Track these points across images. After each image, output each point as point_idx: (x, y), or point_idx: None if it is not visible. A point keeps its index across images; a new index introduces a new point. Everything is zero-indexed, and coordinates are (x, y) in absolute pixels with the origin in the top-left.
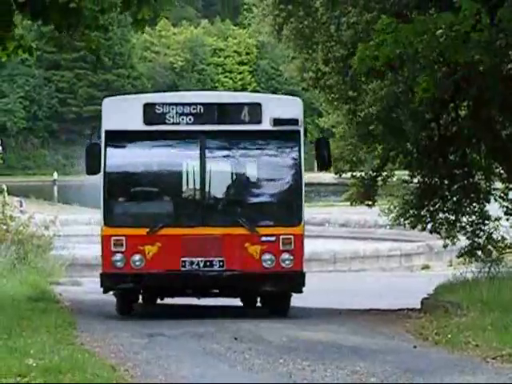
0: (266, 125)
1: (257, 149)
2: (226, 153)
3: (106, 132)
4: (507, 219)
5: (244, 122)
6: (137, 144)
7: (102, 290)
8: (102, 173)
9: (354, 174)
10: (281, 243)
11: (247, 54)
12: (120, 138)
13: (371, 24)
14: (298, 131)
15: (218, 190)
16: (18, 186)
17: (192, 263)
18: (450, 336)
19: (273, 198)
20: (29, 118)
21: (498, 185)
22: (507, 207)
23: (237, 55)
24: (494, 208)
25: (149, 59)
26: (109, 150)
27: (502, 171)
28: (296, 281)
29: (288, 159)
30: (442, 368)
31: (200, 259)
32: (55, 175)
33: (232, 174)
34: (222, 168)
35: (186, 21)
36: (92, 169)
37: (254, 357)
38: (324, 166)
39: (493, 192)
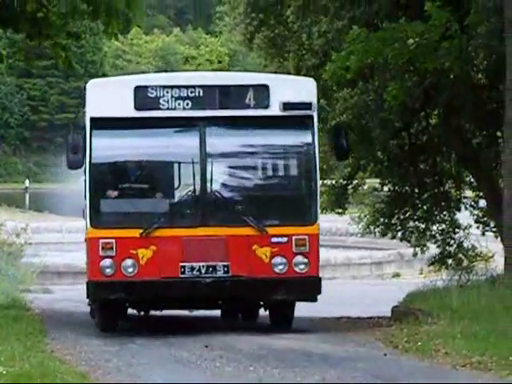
0: (274, 109)
1: (264, 137)
2: (229, 142)
3: (92, 119)
4: (477, 227)
5: (249, 107)
6: (127, 132)
7: (74, 298)
8: (86, 166)
9: (325, 181)
10: (294, 245)
11: (219, 62)
12: (107, 126)
13: (342, 33)
14: (312, 116)
15: (220, 184)
16: None
17: (193, 269)
18: (420, 344)
19: (284, 193)
20: (0, 126)
21: (469, 193)
22: (478, 216)
23: (209, 63)
24: (464, 216)
25: (120, 67)
26: (94, 139)
27: (472, 180)
28: (311, 288)
29: (300, 148)
30: (412, 375)
31: (202, 264)
32: (27, 183)
33: (236, 166)
34: (224, 159)
35: (157, 29)
36: (74, 162)
37: (224, 364)
38: (342, 156)
39: (463, 200)
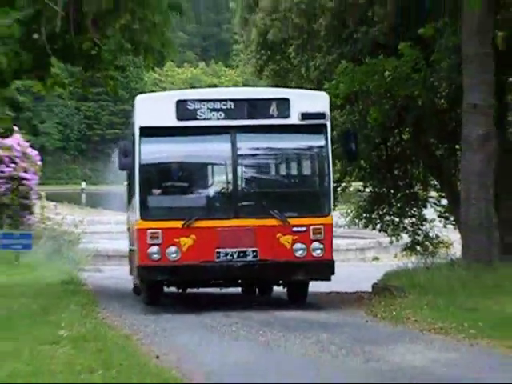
0: (294, 119)
1: (286, 142)
2: (256, 146)
3: (141, 128)
4: (440, 221)
5: (273, 117)
6: (170, 139)
7: (120, 276)
8: (135, 168)
9: None
10: (311, 233)
11: None
12: (154, 134)
13: (333, 66)
14: (325, 124)
15: (249, 182)
16: (53, 193)
17: (226, 254)
18: (394, 313)
19: (302, 189)
20: (63, 140)
21: (433, 194)
22: (440, 212)
23: None
24: (429, 212)
25: None
26: (143, 145)
27: (436, 183)
28: (326, 269)
29: (316, 151)
30: (388, 338)
31: (234, 250)
32: (83, 185)
33: (262, 166)
34: (252, 161)
35: (187, 63)
36: (124, 164)
37: (239, 329)
38: (352, 158)
39: (429, 200)
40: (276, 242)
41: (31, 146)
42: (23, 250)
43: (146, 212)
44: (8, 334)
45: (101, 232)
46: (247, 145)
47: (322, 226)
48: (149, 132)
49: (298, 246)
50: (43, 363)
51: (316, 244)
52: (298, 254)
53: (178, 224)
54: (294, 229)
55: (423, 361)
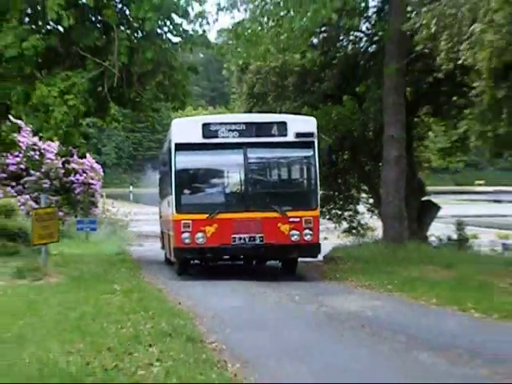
0: (290, 137)
1: (284, 154)
2: (261, 157)
3: (176, 144)
4: (368, 213)
5: (274, 135)
6: (197, 152)
7: (154, 250)
8: (172, 174)
9: None
10: (303, 223)
11: None
12: (185, 148)
13: (297, 110)
14: (314, 141)
15: (256, 184)
16: (111, 193)
17: (240, 238)
18: (337, 275)
19: (296, 189)
20: (117, 158)
21: (364, 195)
22: (368, 207)
23: None
24: (361, 208)
25: None
26: (177, 157)
27: (366, 188)
28: (315, 250)
29: (307, 161)
30: (333, 292)
31: (246, 235)
32: (131, 188)
33: (266, 172)
34: (259, 168)
35: (200, 107)
36: (163, 172)
37: (237, 286)
38: (330, 163)
39: (361, 199)
40: (277, 230)
41: (96, 162)
42: (91, 232)
43: (180, 207)
44: (80, 287)
45: (142, 220)
46: (255, 156)
47: (311, 218)
48: (182, 147)
49: (294, 232)
50: (103, 307)
51: (307, 231)
52: (293, 238)
53: (204, 216)
54: (291, 219)
55: (356, 306)
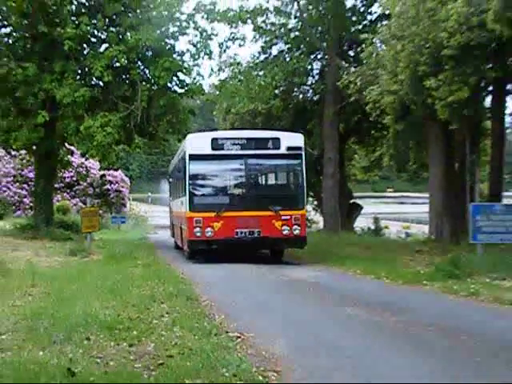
0: (282, 150)
1: (277, 164)
2: (259, 166)
3: (190, 155)
4: (314, 211)
5: (270, 148)
6: (207, 162)
7: (166, 237)
8: (186, 179)
9: None
10: (293, 220)
11: None
12: (197, 158)
13: None
14: (301, 154)
15: (255, 188)
16: (135, 197)
17: (242, 232)
18: (294, 255)
19: (288, 193)
20: (140, 173)
21: (310, 199)
22: (314, 207)
23: None
24: (309, 207)
25: None
26: (191, 165)
27: (312, 194)
28: (302, 242)
29: (296, 170)
30: (290, 267)
31: (246, 230)
32: (149, 194)
33: (263, 179)
34: (257, 175)
35: None
36: (178, 177)
37: (227, 265)
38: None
39: (309, 201)
40: (272, 225)
41: (125, 175)
42: (121, 224)
43: (192, 207)
44: (113, 262)
45: (156, 216)
46: (254, 165)
47: (299, 216)
48: (194, 157)
49: (285, 227)
50: (129, 276)
51: (296, 226)
52: (284, 232)
53: (212, 214)
54: (283, 217)
55: (304, 276)
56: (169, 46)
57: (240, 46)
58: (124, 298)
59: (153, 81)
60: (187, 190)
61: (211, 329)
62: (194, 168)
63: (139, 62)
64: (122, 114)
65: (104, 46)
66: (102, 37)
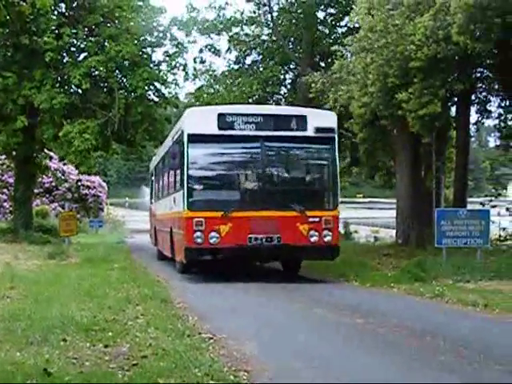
0: (310, 132)
1: (303, 150)
2: (280, 152)
3: (189, 135)
4: None
5: (294, 129)
6: (212, 145)
7: (142, 241)
8: (183, 167)
9: None
10: (323, 223)
11: None
12: (199, 140)
13: None
14: (334, 137)
15: (274, 181)
16: (112, 202)
17: (256, 239)
18: None
19: (316, 187)
20: (118, 178)
21: None
22: None
23: None
24: None
25: None
26: (191, 149)
27: None
28: (333, 252)
29: (326, 158)
30: (260, 267)
31: (263, 236)
32: (126, 198)
33: (284, 168)
34: (277, 165)
35: None
36: (174, 165)
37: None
38: None
39: None
40: (295, 230)
41: (103, 181)
42: (99, 228)
43: (191, 204)
44: (91, 265)
45: (133, 220)
46: (273, 151)
47: (331, 218)
48: (195, 138)
49: (313, 233)
50: (106, 279)
51: (326, 232)
52: (312, 239)
53: (218, 214)
54: (310, 219)
55: (275, 281)
56: (146, 56)
57: (215, 54)
58: (100, 300)
59: (130, 89)
60: (185, 181)
61: (184, 330)
62: (194, 153)
63: (117, 71)
64: (99, 121)
65: (83, 55)
66: (82, 46)
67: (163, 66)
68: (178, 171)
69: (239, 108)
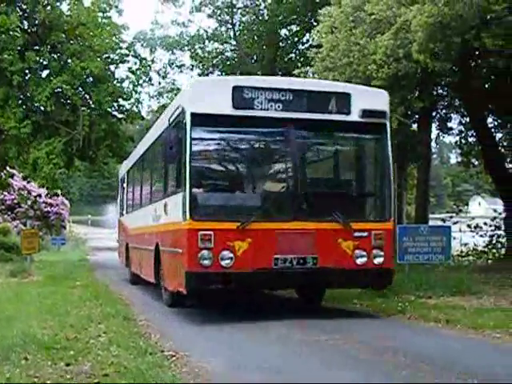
0: (354, 116)
1: (345, 140)
2: (314, 143)
3: (192, 115)
4: None
5: (333, 112)
6: (224, 129)
7: (104, 258)
8: (184, 161)
9: None
10: (373, 239)
11: None
12: (207, 123)
13: None
14: (385, 124)
15: (308, 181)
16: (75, 220)
17: (285, 261)
18: None
19: (363, 191)
20: (80, 196)
21: None
22: None
23: None
24: None
25: None
26: (194, 134)
27: None
28: (386, 278)
29: (377, 152)
30: None
31: (293, 256)
32: (89, 216)
33: (321, 166)
34: (311, 159)
35: None
36: (170, 157)
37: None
38: None
39: None
40: (336, 248)
41: (66, 198)
42: (61, 245)
43: (196, 211)
44: (53, 283)
45: (96, 238)
46: (305, 141)
47: (383, 232)
48: (201, 120)
49: (359, 252)
50: (68, 296)
51: (377, 251)
52: (358, 261)
53: (233, 226)
54: (356, 234)
55: (246, 300)
56: (109, 72)
57: (179, 70)
58: (62, 318)
59: (93, 106)
60: (186, 180)
61: (146, 348)
62: (198, 139)
63: (80, 88)
64: (64, 139)
65: (46, 72)
66: (44, 63)
67: (126, 83)
68: (174, 167)
69: (263, 80)
